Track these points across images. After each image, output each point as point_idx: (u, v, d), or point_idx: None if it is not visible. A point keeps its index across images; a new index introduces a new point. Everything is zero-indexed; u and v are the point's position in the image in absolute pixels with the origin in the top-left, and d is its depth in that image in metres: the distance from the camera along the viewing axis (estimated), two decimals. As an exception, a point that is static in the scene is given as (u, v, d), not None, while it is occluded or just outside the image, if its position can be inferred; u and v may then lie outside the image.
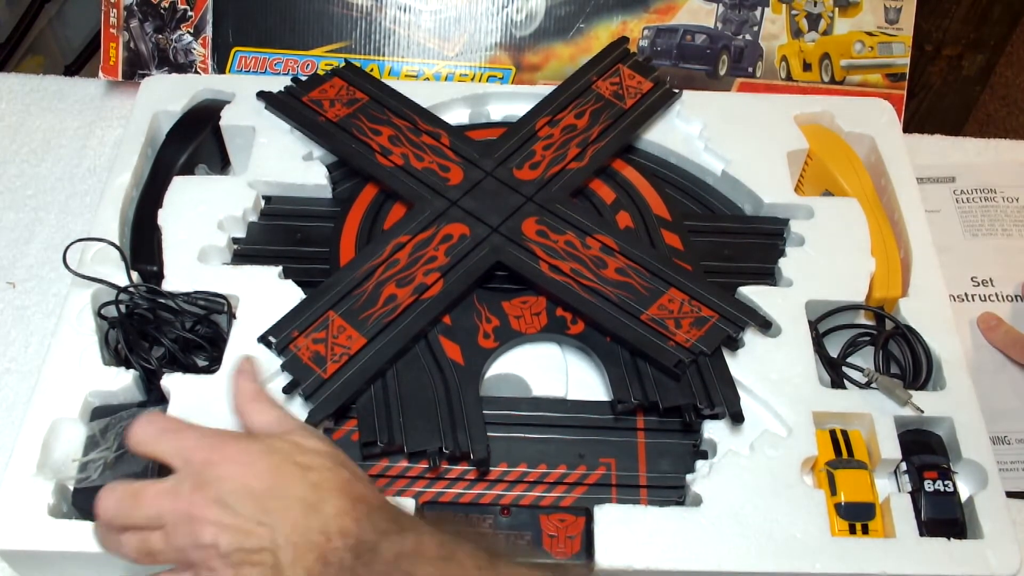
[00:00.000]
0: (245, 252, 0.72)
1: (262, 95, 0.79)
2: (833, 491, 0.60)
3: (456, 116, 0.83)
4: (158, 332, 0.66)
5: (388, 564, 0.45)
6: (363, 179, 0.76)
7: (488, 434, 0.61)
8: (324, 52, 0.91)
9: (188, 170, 0.76)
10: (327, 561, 0.46)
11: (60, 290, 0.77)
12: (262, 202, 0.75)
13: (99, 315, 0.67)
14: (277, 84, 0.80)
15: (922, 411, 0.63)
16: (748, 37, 0.93)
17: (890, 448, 0.62)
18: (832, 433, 0.63)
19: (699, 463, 0.61)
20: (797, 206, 0.75)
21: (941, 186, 0.88)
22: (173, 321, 0.66)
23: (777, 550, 0.57)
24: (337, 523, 0.46)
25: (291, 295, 0.67)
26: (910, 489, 0.61)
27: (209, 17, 0.91)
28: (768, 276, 0.72)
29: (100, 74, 0.92)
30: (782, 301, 0.68)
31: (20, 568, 0.59)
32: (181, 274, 0.68)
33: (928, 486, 0.61)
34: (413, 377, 0.64)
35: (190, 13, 0.91)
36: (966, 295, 0.80)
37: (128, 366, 0.65)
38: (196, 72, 0.91)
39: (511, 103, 0.83)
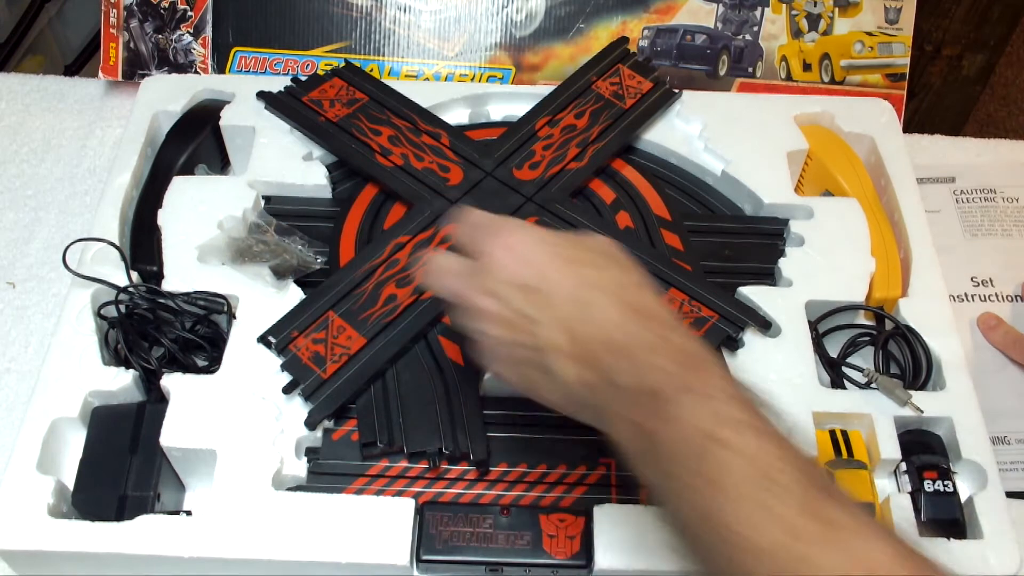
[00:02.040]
0: (245, 252, 0.72)
1: (262, 95, 0.79)
2: None
3: (456, 116, 0.83)
4: (158, 332, 0.66)
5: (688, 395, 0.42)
6: (363, 179, 0.76)
7: (488, 434, 0.61)
8: (324, 52, 0.91)
9: (188, 170, 0.76)
10: (597, 367, 0.44)
11: (60, 290, 0.77)
12: (262, 202, 0.75)
13: (99, 315, 0.67)
14: (277, 84, 0.80)
15: (922, 411, 0.63)
16: (748, 37, 0.93)
17: (890, 448, 0.62)
18: (832, 433, 0.63)
19: (699, 463, 0.61)
20: (797, 206, 0.75)
21: (941, 186, 0.88)
22: (173, 321, 0.66)
23: (777, 550, 0.57)
24: (604, 332, 0.44)
25: (291, 295, 0.67)
26: (910, 489, 0.61)
27: (209, 17, 0.91)
28: (768, 276, 0.72)
29: (100, 74, 0.92)
30: (782, 301, 0.68)
31: (20, 568, 0.59)
32: (181, 274, 0.68)
33: (928, 486, 0.61)
34: (413, 377, 0.64)
35: (190, 13, 0.91)
36: (966, 295, 0.80)
37: (128, 366, 0.65)
38: (196, 72, 0.91)
39: (511, 103, 0.83)
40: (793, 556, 0.38)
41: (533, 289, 0.46)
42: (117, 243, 0.70)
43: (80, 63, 1.30)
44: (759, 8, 0.93)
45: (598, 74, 0.82)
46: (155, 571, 0.58)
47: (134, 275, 0.68)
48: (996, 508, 0.60)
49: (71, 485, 0.60)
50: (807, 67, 0.93)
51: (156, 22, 0.91)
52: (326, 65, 0.90)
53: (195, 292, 0.67)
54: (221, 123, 0.78)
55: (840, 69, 0.93)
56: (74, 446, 0.62)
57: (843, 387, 0.67)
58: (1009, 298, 0.80)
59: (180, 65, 0.91)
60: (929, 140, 0.93)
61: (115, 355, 0.66)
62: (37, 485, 0.58)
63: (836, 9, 0.93)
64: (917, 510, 0.60)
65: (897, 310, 0.70)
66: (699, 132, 0.79)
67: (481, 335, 0.49)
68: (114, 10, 0.91)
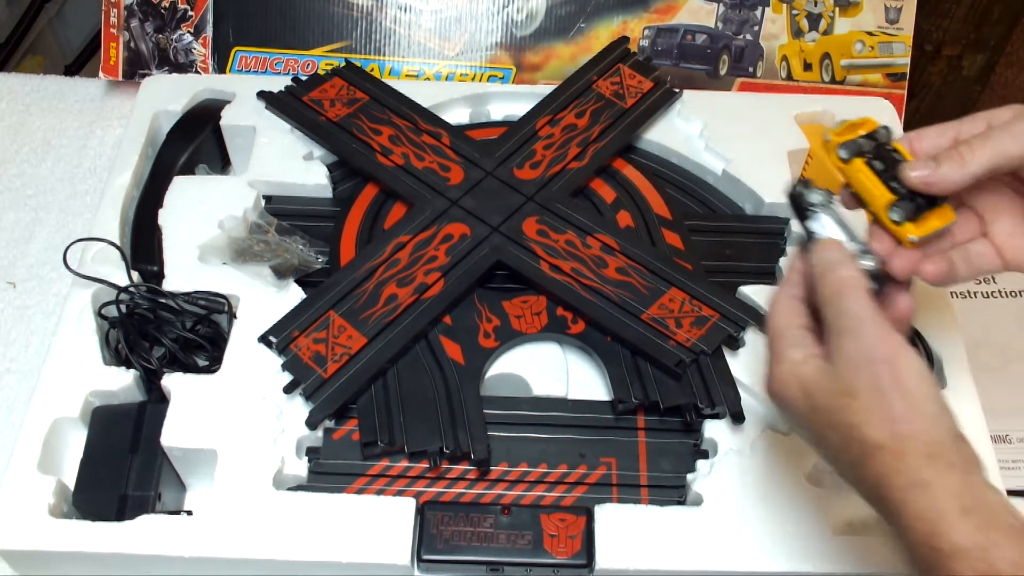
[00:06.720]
0: (245, 252, 0.72)
1: (262, 95, 0.79)
2: None
3: (456, 116, 0.82)
4: (158, 332, 0.66)
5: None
6: (363, 179, 0.76)
7: (489, 434, 0.61)
8: (324, 52, 0.91)
9: (188, 170, 0.76)
10: None
11: (60, 290, 0.77)
12: (262, 202, 0.75)
13: (99, 315, 0.67)
14: (277, 84, 0.80)
15: (923, 410, 0.63)
16: (748, 37, 0.93)
17: (891, 447, 0.62)
18: None
19: (700, 463, 0.61)
20: (798, 205, 0.75)
21: (942, 185, 0.88)
22: (173, 321, 0.66)
23: (777, 550, 0.57)
24: None
25: (292, 295, 0.67)
26: (911, 488, 0.61)
27: (209, 17, 0.91)
28: (769, 275, 0.72)
29: (100, 74, 0.92)
30: (783, 300, 0.68)
31: (20, 568, 0.59)
32: (181, 274, 0.68)
33: (929, 485, 0.61)
34: (413, 377, 0.64)
35: (190, 13, 0.91)
36: (968, 292, 0.80)
37: (128, 366, 0.65)
38: (196, 72, 0.91)
39: (511, 103, 0.83)
40: None
41: None
42: (118, 243, 0.69)
43: (80, 63, 1.30)
44: (759, 8, 0.93)
45: (599, 74, 0.82)
46: (156, 571, 0.58)
47: (135, 275, 0.68)
48: (997, 507, 0.60)
49: (72, 485, 0.60)
50: (807, 67, 0.93)
51: (156, 22, 0.91)
52: (326, 65, 0.90)
53: (196, 292, 0.67)
54: (221, 123, 0.78)
55: (840, 69, 0.93)
56: (75, 446, 0.62)
57: (844, 386, 0.67)
58: (1012, 294, 0.80)
59: (180, 65, 0.91)
60: (930, 139, 0.93)
61: (116, 355, 0.66)
62: (38, 485, 0.58)
63: (836, 9, 0.93)
64: (918, 509, 0.60)
65: (898, 309, 0.70)
66: (699, 131, 0.79)
67: None
68: (114, 10, 0.91)
